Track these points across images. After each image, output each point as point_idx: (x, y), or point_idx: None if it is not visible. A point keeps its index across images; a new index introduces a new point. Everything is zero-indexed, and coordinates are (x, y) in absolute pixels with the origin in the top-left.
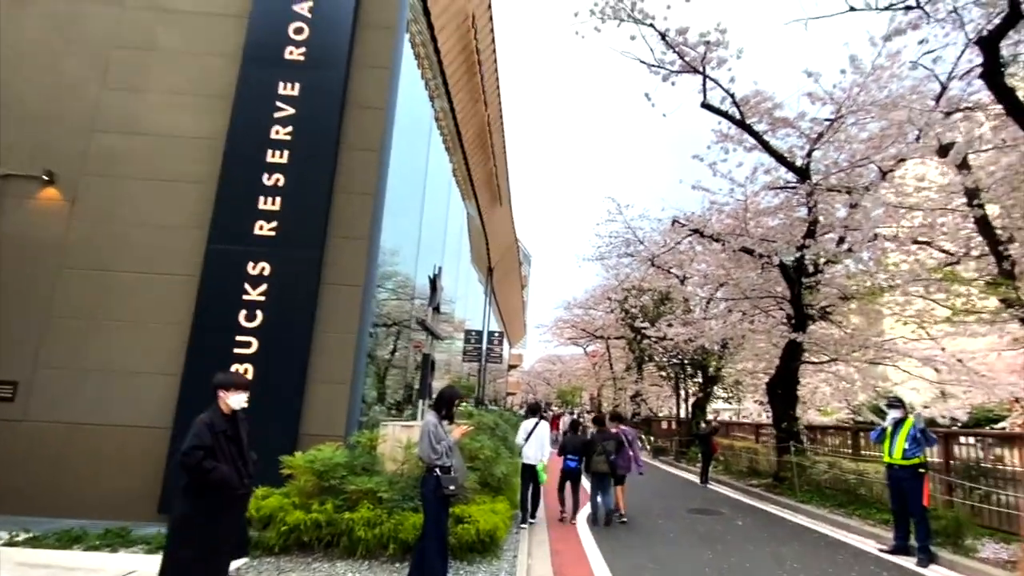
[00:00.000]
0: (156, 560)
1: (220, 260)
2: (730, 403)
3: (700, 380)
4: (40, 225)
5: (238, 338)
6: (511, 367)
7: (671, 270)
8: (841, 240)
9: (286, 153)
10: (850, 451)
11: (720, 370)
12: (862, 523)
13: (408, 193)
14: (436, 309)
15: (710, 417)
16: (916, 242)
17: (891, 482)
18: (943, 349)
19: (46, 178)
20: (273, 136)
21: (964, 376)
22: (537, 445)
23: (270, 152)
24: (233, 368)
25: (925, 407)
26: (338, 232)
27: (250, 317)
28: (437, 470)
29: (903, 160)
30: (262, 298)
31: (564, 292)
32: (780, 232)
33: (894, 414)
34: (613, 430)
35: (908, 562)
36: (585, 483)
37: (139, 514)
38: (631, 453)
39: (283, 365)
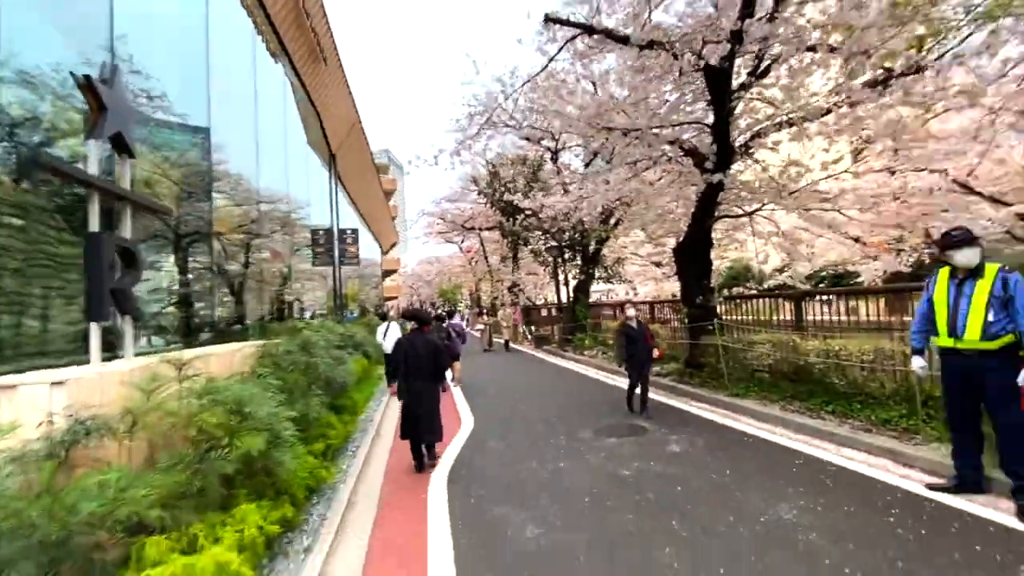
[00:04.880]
0: None
1: None
2: (611, 283)
3: (579, 262)
4: None
5: None
6: (388, 272)
7: (541, 140)
8: (772, 18)
9: None
10: (792, 325)
11: (602, 246)
12: (848, 427)
13: None
14: (121, 146)
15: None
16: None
17: (952, 376)
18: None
19: None
20: None
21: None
22: (393, 339)
23: None
24: None
25: (780, 271)
26: None
27: None
28: None
29: None
30: None
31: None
32: (700, 18)
33: (964, 256)
34: (444, 324)
35: (1001, 512)
36: None
37: None
38: (461, 341)
39: None
